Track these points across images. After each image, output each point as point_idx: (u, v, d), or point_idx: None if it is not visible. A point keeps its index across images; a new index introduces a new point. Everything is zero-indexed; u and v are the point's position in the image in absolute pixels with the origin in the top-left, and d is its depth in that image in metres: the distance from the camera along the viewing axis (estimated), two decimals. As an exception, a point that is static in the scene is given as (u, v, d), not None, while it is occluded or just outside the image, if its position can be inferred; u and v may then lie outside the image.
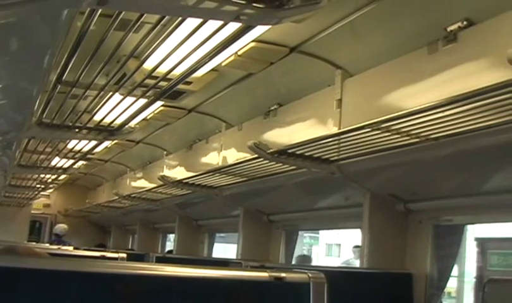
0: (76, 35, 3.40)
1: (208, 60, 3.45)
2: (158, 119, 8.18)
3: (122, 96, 4.67)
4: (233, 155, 7.25)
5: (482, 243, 12.77)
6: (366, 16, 4.58)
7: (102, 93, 4.60)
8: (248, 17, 2.35)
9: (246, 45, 5.21)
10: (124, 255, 4.39)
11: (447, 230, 5.49)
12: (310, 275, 2.07)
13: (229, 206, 8.42)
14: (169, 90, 4.11)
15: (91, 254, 4.82)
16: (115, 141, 9.68)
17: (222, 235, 11.06)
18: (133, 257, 7.82)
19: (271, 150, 5.31)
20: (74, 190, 17.19)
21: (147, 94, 4.51)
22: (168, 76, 4.03)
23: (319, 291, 2.05)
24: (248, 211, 8.08)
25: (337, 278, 4.93)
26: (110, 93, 4.67)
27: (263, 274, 2.04)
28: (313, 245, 25.85)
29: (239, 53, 5.35)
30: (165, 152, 10.10)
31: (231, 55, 5.37)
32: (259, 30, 4.82)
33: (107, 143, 9.62)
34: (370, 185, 5.64)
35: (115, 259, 4.30)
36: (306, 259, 10.87)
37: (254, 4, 2.27)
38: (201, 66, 3.56)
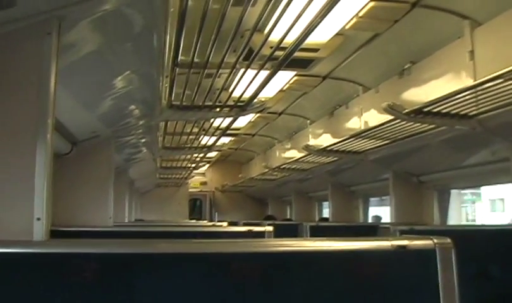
0: (178, 13, 3.42)
1: (320, 21, 3.35)
2: (296, 89, 8.18)
3: (243, 70, 4.68)
4: (374, 118, 7.09)
5: None
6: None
7: (221, 69, 4.62)
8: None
9: (365, 5, 5.08)
10: (271, 229, 4.36)
11: None
12: (436, 241, 1.96)
13: (378, 170, 8.31)
14: (288, 58, 4.03)
15: (239, 230, 4.86)
16: (258, 115, 9.81)
17: (383, 197, 11.00)
18: (286, 228, 7.95)
19: (406, 110, 5.15)
20: (228, 166, 17.58)
21: (266, 65, 4.48)
22: (283, 45, 3.97)
23: (446, 257, 1.94)
24: (397, 174, 7.95)
25: (486, 236, 4.77)
26: (234, 69, 4.68)
27: (385, 244, 1.96)
28: (475, 201, 25.02)
29: (360, 14, 5.22)
30: (308, 121, 10.07)
31: (353, 18, 5.27)
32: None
33: (250, 117, 9.78)
34: (514, 138, 5.36)
35: (262, 233, 4.29)
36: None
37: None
38: (313, 30, 3.46)
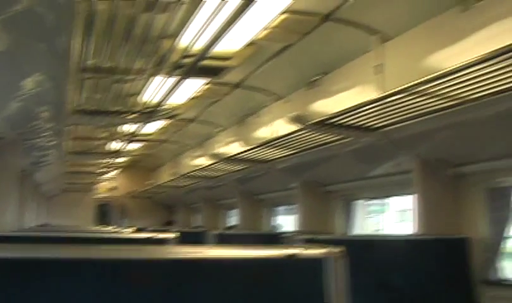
0: (87, 17, 3.40)
1: (226, 30, 3.37)
2: (207, 97, 8.16)
3: (151, 77, 4.68)
4: (283, 127, 7.17)
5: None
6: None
7: (131, 75, 4.61)
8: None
9: (278, 17, 5.14)
10: (175, 235, 4.33)
11: (499, 192, 5.36)
12: (329, 250, 2.01)
13: (286, 179, 8.40)
14: (196, 65, 4.06)
15: (143, 236, 4.82)
16: (170, 121, 9.76)
17: (292, 207, 11.13)
18: (192, 235, 7.93)
19: (312, 121, 5.24)
20: (138, 172, 17.44)
21: (176, 72, 4.49)
22: (194, 52, 3.98)
23: (338, 266, 2.00)
24: (305, 183, 8.07)
25: (386, 246, 4.91)
26: (144, 75, 4.68)
27: (280, 252, 2.00)
28: (383, 212, 25.59)
29: (272, 25, 5.28)
30: (219, 128, 10.11)
31: (265, 28, 5.32)
32: (286, 1, 4.74)
33: (160, 124, 9.73)
34: (417, 151, 5.52)
35: (167, 240, 4.27)
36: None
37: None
38: (220, 38, 3.49)
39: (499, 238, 5.34)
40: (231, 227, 12.08)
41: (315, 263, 2.01)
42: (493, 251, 5.32)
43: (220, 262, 2.00)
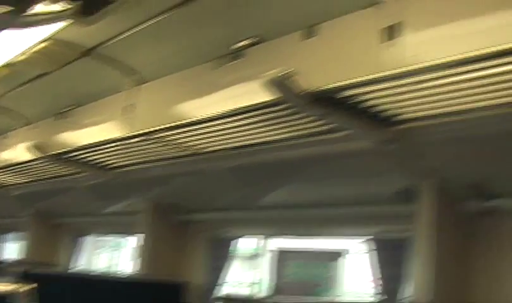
0: None
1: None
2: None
3: None
4: (23, 154, 7.03)
5: (279, 254, 13.12)
6: (161, 25, 4.56)
7: None
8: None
9: (39, 43, 5.09)
10: None
11: (220, 242, 5.67)
12: (16, 286, 2.05)
13: (19, 207, 8.19)
14: None
15: None
16: None
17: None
18: None
19: (51, 153, 5.21)
20: None
21: None
22: None
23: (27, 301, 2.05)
24: (35, 213, 7.97)
25: (102, 284, 4.97)
26: None
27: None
28: (120, 248, 25.68)
29: (33, 50, 5.21)
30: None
31: (24, 52, 5.23)
32: (50, 29, 4.72)
33: None
34: (150, 194, 5.68)
35: None
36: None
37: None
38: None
39: (215, 284, 5.63)
40: None
41: (9, 298, 2.03)
42: (208, 296, 5.59)
43: None
